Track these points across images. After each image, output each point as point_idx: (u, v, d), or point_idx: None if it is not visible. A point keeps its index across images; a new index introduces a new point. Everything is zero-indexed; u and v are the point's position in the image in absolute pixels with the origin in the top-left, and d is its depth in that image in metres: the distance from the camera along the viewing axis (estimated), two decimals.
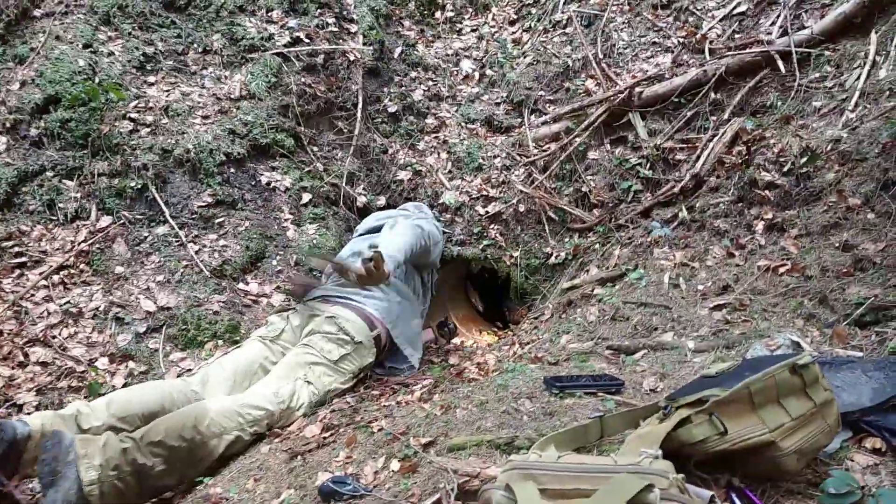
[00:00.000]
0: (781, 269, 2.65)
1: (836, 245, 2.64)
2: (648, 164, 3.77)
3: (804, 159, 3.05)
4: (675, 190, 3.49)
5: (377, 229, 3.27)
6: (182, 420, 2.15)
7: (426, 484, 1.67)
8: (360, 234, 3.38)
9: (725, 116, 3.66)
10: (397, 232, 2.89)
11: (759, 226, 2.98)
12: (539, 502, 1.07)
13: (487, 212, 4.10)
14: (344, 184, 4.25)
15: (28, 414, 2.49)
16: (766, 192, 3.08)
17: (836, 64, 3.45)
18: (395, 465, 1.82)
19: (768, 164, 3.19)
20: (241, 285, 3.48)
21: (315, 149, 4.34)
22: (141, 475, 2.05)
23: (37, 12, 4.15)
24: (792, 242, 2.78)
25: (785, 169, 3.12)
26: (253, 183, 3.95)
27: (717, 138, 3.55)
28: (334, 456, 2.00)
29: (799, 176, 3.04)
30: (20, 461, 2.08)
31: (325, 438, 2.18)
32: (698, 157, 3.56)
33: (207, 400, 2.34)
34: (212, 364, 2.61)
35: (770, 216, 2.98)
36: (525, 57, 4.82)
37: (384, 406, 2.36)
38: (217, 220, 3.68)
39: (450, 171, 4.38)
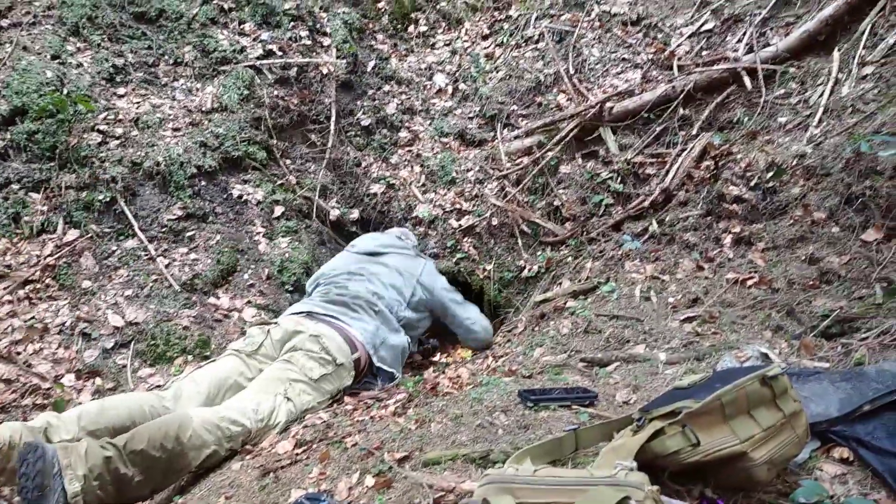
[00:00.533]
0: (749, 282, 2.70)
1: (802, 258, 2.70)
2: (619, 178, 3.82)
3: (770, 174, 3.11)
4: (646, 204, 3.54)
5: (375, 254, 3.30)
6: (165, 429, 2.10)
7: (401, 499, 1.65)
8: (357, 253, 3.35)
9: (694, 132, 3.72)
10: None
11: (728, 239, 3.03)
12: None
13: (461, 225, 4.12)
14: (317, 197, 4.23)
15: None
16: (734, 205, 3.14)
17: (801, 81, 3.53)
18: (369, 480, 1.80)
19: (736, 179, 3.25)
20: (211, 300, 3.44)
21: (288, 162, 4.32)
22: (120, 484, 1.99)
23: (3, 22, 4.08)
24: (759, 255, 2.84)
25: (752, 183, 3.18)
26: (224, 196, 3.92)
27: (685, 153, 3.61)
28: (307, 472, 1.98)
29: (765, 190, 3.10)
30: None
31: (297, 455, 2.15)
32: (668, 172, 3.61)
33: (191, 409, 2.30)
34: (185, 378, 2.56)
35: (738, 230, 3.03)
36: (498, 71, 4.86)
37: (358, 421, 2.34)
38: (188, 234, 3.64)
39: (423, 185, 4.39)
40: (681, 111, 3.84)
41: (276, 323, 2.84)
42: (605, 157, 3.95)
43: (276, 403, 2.43)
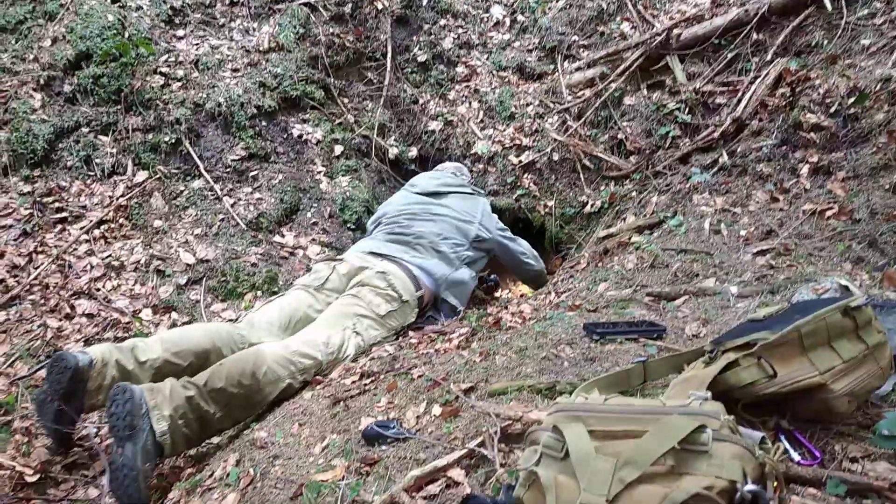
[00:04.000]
0: (828, 213, 2.58)
1: (886, 187, 2.55)
2: (687, 109, 3.67)
3: (852, 100, 2.94)
4: (715, 135, 3.40)
5: (437, 194, 3.26)
6: (241, 366, 2.18)
7: (468, 428, 1.68)
8: (418, 193, 3.31)
9: (768, 57, 3.53)
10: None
11: (804, 169, 2.89)
12: (588, 443, 1.06)
13: (521, 161, 4.05)
14: (375, 135, 4.22)
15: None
16: (812, 134, 2.98)
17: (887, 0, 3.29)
18: (436, 409, 1.83)
19: (814, 106, 3.08)
20: (276, 237, 3.51)
21: (345, 100, 4.30)
22: (203, 421, 2.09)
23: None
24: (839, 185, 2.70)
25: (831, 110, 3.01)
26: (285, 136, 3.95)
27: (759, 80, 3.43)
28: (376, 402, 2.02)
29: (846, 117, 2.93)
30: (85, 391, 2.14)
31: (365, 385, 2.20)
32: (739, 101, 3.44)
33: (264, 344, 2.38)
34: (257, 311, 2.65)
35: (815, 159, 2.89)
36: (557, 1, 4.67)
37: (423, 354, 2.37)
38: (251, 174, 3.69)
39: (482, 121, 4.32)
40: (754, 36, 3.64)
41: (341, 259, 2.88)
42: (672, 86, 3.79)
43: (345, 337, 2.49)
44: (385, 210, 3.28)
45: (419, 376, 2.10)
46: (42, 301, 2.89)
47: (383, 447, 1.71)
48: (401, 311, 2.73)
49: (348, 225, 3.77)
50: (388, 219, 3.18)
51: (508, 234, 3.37)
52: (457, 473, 1.52)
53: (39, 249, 3.10)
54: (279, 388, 2.26)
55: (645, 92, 3.91)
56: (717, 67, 3.70)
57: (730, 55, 3.68)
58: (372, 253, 2.90)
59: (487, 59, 4.61)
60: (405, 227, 3.07)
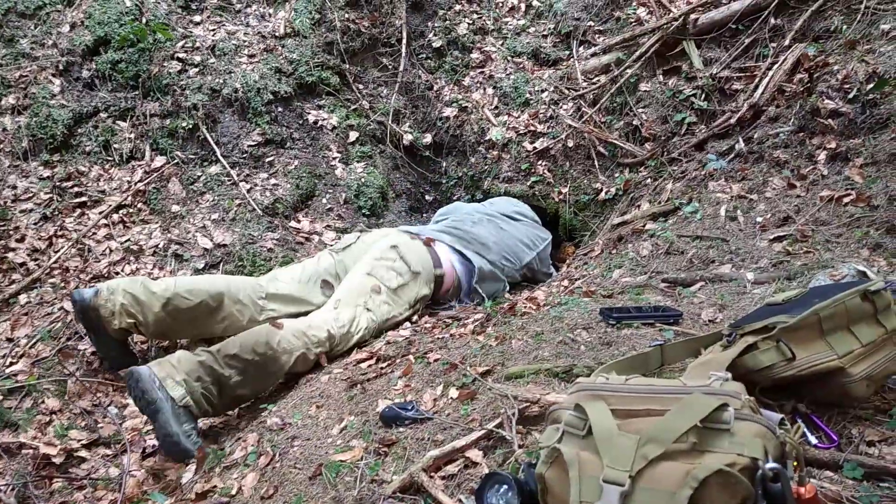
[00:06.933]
0: (846, 200, 2.57)
1: None
2: (703, 95, 3.64)
3: (871, 85, 2.91)
4: (732, 121, 3.38)
5: (510, 217, 3.33)
6: (255, 337, 2.26)
7: (485, 410, 1.69)
8: (495, 210, 3.35)
9: (786, 43, 3.49)
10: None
11: (822, 155, 2.87)
12: (611, 420, 1.07)
13: (535, 147, 4.04)
14: (390, 121, 4.22)
15: (93, 352, 2.68)
16: (830, 120, 2.96)
17: None
18: (453, 392, 1.85)
19: (832, 92, 3.06)
20: (292, 223, 3.53)
21: (360, 86, 4.31)
22: (220, 384, 2.18)
23: None
24: (857, 172, 2.68)
25: (850, 96, 2.98)
26: (300, 122, 3.96)
27: (777, 66, 3.40)
28: (392, 385, 2.04)
29: (865, 103, 2.90)
30: (101, 319, 2.42)
31: (382, 369, 2.22)
32: (757, 86, 3.42)
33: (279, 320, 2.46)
34: (280, 269, 2.83)
35: (833, 145, 2.87)
36: None
37: (438, 338, 2.39)
38: (267, 159, 3.71)
39: (496, 107, 4.32)
40: (772, 21, 3.60)
41: (370, 231, 3.01)
42: (689, 72, 3.76)
43: (356, 313, 2.54)
44: (456, 209, 3.36)
45: (435, 360, 2.12)
46: (62, 284, 2.93)
47: (401, 428, 1.74)
48: (413, 284, 2.75)
49: (363, 211, 3.78)
50: (454, 218, 3.24)
51: (552, 268, 3.43)
52: (475, 454, 1.54)
53: (59, 233, 3.14)
54: (295, 357, 2.32)
55: (661, 78, 3.89)
56: (734, 53, 3.67)
57: (747, 40, 3.65)
58: (408, 232, 2.95)
59: (502, 44, 4.59)
60: (467, 226, 3.11)
